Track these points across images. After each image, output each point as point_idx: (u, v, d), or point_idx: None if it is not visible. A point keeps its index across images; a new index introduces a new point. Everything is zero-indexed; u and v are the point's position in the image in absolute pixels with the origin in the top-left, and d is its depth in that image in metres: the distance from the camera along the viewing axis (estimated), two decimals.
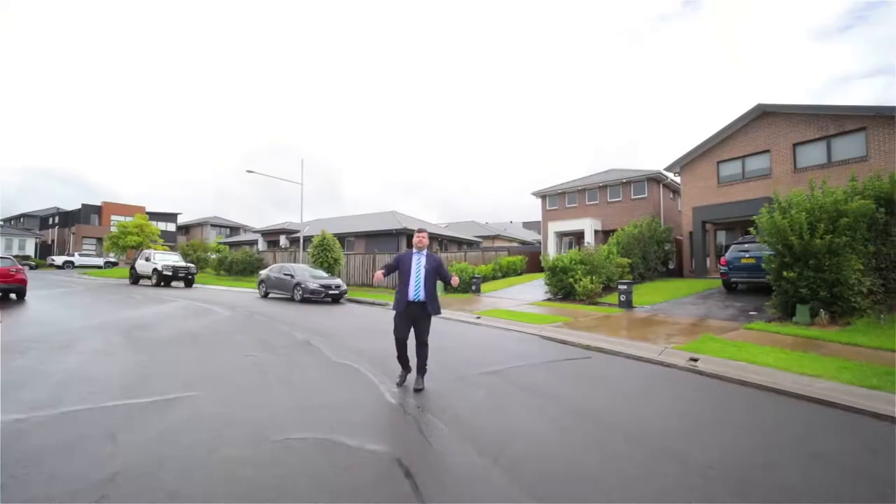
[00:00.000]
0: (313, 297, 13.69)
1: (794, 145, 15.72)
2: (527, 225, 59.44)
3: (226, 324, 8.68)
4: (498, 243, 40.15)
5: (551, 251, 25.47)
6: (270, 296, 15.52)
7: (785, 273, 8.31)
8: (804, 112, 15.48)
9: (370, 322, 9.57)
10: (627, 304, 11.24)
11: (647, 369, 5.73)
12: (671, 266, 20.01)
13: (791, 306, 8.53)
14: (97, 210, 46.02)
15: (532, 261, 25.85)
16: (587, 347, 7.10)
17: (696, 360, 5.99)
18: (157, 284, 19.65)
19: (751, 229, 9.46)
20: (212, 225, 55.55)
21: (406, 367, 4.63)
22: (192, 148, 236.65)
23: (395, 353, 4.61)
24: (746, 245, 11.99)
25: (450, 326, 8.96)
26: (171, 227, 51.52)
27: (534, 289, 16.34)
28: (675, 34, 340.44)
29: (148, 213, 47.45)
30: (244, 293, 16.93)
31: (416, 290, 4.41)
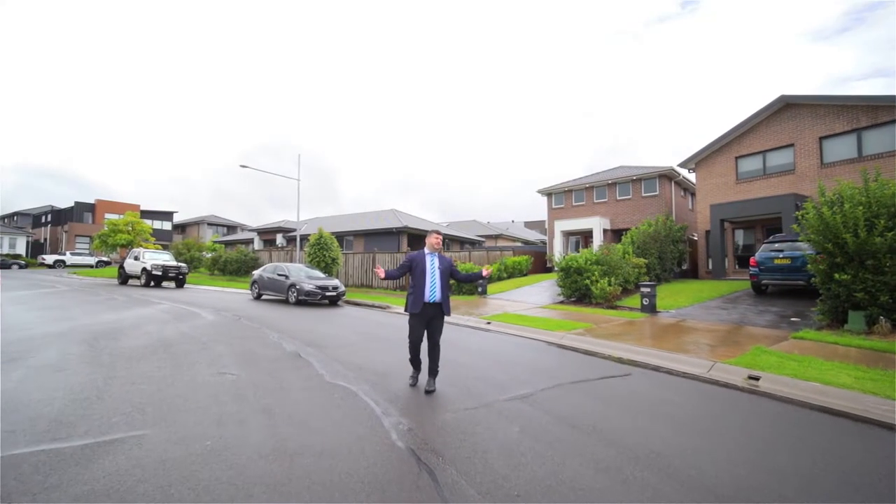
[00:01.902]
0: (309, 300, 12.75)
1: (821, 139, 14.80)
2: (528, 224, 58.49)
3: (208, 330, 7.74)
4: (501, 243, 39.23)
5: (557, 251, 24.54)
6: (264, 297, 14.58)
7: (836, 275, 7.39)
8: (832, 103, 14.56)
9: (370, 328, 8.63)
10: (651, 309, 10.31)
11: (701, 390, 4.80)
12: (684, 267, 19.11)
13: (843, 312, 7.61)
14: (91, 208, 45.01)
15: (537, 261, 24.92)
16: (619, 360, 6.18)
17: (756, 378, 5.06)
18: (147, 285, 18.71)
19: (794, 226, 8.53)
20: (208, 224, 54.50)
21: (418, 367, 4.60)
22: (189, 146, 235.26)
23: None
24: (778, 244, 11.10)
25: (459, 334, 8.02)
26: (167, 225, 50.52)
27: (543, 290, 15.41)
28: (673, 35, 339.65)
29: (143, 211, 46.46)
30: (236, 294, 15.99)
31: (431, 291, 4.44)
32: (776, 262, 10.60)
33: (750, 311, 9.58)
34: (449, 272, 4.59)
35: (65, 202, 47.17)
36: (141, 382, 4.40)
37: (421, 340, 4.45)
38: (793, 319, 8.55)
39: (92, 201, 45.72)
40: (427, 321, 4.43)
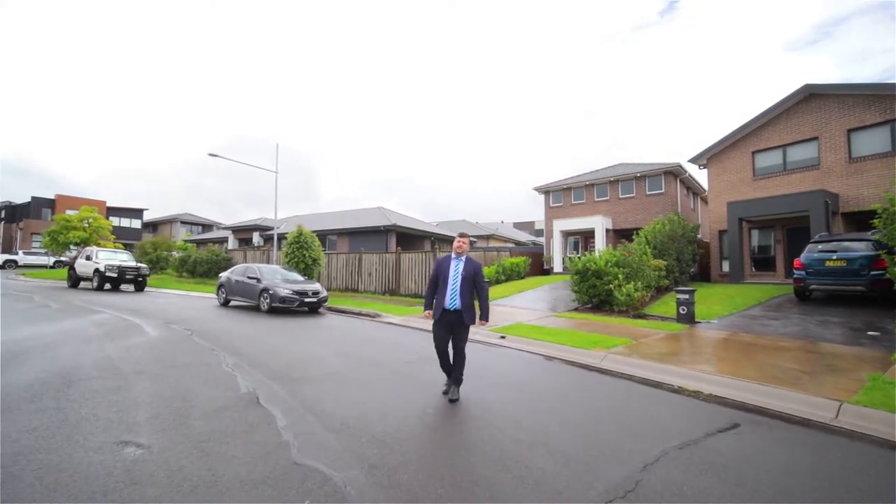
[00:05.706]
0: (284, 307, 10.84)
1: (849, 131, 13.69)
2: (517, 225, 57.21)
3: (142, 354, 5.82)
4: (492, 243, 37.70)
5: (556, 252, 23.13)
6: (232, 303, 12.58)
7: None
8: (861, 93, 13.46)
9: (359, 346, 6.85)
10: (689, 318, 8.81)
11: (860, 455, 3.21)
12: (693, 270, 17.85)
13: None
14: (50, 204, 41.53)
15: (534, 263, 23.44)
16: (698, 396, 4.60)
17: None
18: (100, 288, 16.45)
19: (875, 221, 7.14)
20: (182, 222, 51.41)
21: (450, 372, 4.36)
22: (162, 142, 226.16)
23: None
24: (823, 245, 9.78)
25: (473, 353, 6.27)
26: (137, 223, 47.29)
27: (548, 295, 13.86)
28: (653, 42, 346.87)
29: (110, 207, 43.17)
30: (201, 300, 13.90)
31: (451, 297, 4.25)
32: (828, 264, 9.25)
33: (808, 322, 8.16)
34: (473, 279, 4.32)
35: (24, 198, 43.31)
36: None
37: (447, 347, 4.32)
38: (870, 333, 7.14)
39: (51, 196, 42.18)
40: (450, 328, 4.28)
